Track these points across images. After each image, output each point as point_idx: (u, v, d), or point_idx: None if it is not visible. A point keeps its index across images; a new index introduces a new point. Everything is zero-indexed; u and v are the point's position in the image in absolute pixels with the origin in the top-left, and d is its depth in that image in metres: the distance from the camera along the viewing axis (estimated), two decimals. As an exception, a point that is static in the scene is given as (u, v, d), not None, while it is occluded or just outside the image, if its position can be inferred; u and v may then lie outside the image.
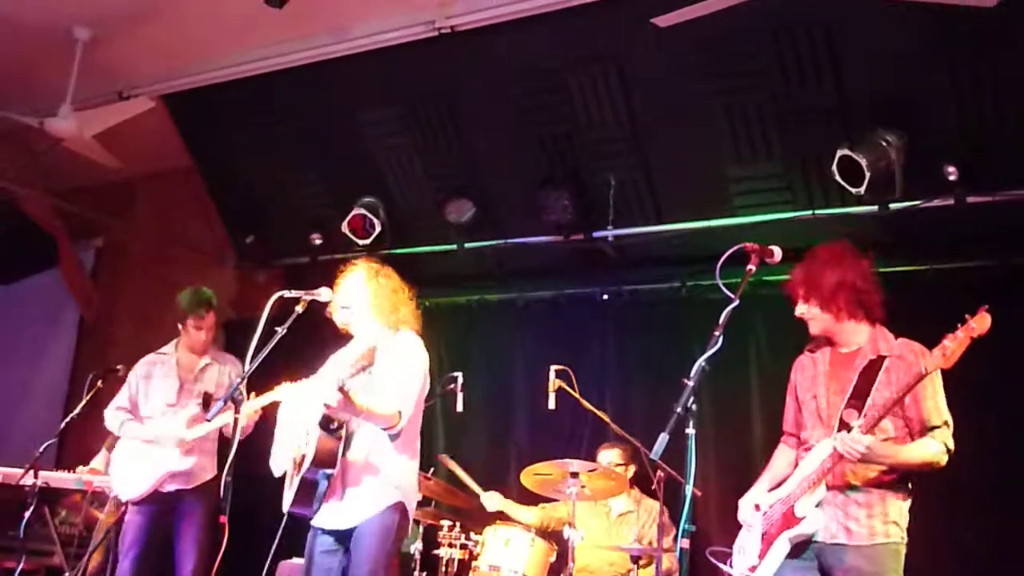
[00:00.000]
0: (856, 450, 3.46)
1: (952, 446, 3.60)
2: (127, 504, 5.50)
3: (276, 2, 5.74)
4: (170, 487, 5.42)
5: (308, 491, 4.01)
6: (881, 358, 3.69)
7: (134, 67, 7.06)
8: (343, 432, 3.99)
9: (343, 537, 4.01)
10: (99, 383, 6.06)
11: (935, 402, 3.61)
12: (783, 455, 4.02)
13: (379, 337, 4.18)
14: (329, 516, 4.03)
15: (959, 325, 3.39)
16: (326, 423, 3.97)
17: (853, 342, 3.82)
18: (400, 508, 4.00)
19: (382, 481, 3.99)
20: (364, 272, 4.37)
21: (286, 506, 4.13)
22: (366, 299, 4.29)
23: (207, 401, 5.49)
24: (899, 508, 3.63)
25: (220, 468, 5.63)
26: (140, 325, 8.48)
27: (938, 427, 3.59)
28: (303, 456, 4.05)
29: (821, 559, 3.65)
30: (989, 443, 5.05)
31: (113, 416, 5.64)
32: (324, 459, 3.96)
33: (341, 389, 3.70)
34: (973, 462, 4.18)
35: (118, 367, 6.21)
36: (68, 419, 5.89)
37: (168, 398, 5.60)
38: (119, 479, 5.50)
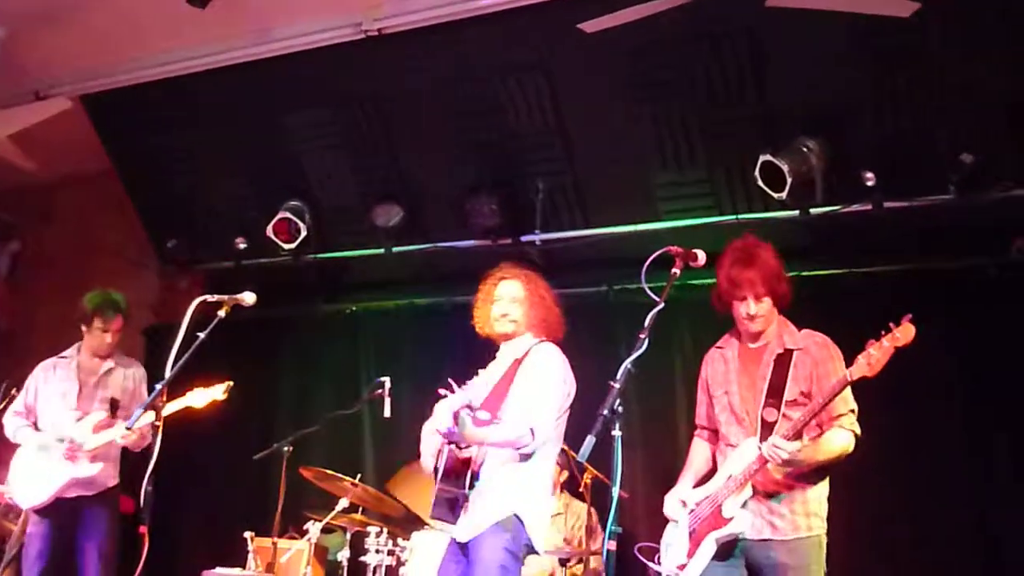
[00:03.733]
0: (780, 456, 3.54)
1: (859, 431, 3.71)
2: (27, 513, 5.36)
3: (199, 2, 5.65)
4: (72, 494, 5.27)
5: (445, 504, 3.94)
6: (788, 352, 3.77)
7: (51, 66, 6.89)
8: (472, 450, 3.89)
9: (464, 548, 3.88)
10: (14, 392, 5.89)
11: (841, 394, 3.68)
12: (700, 450, 4.08)
13: (525, 348, 4.07)
14: (456, 528, 3.92)
15: (883, 333, 3.46)
16: (452, 440, 3.89)
17: (761, 336, 3.89)
18: (513, 522, 3.80)
19: (500, 496, 3.84)
20: (522, 279, 4.20)
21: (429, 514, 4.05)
22: (525, 309, 4.12)
23: (115, 407, 5.37)
24: (818, 498, 3.73)
25: (122, 475, 5.53)
26: (59, 332, 8.21)
27: (844, 415, 3.69)
28: (436, 468, 3.99)
29: (748, 556, 3.71)
30: (897, 435, 5.28)
31: (9, 422, 5.51)
32: (452, 474, 3.90)
33: (456, 415, 3.66)
34: (881, 452, 4.55)
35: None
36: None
37: (68, 403, 5.45)
38: (19, 487, 5.33)
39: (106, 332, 5.53)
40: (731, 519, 3.65)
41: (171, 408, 5.08)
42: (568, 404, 4.01)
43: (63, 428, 5.34)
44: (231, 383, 5.16)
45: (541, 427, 3.83)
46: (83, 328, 5.59)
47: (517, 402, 3.91)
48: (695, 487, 3.93)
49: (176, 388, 5.23)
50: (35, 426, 5.50)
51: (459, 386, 4.00)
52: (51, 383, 5.54)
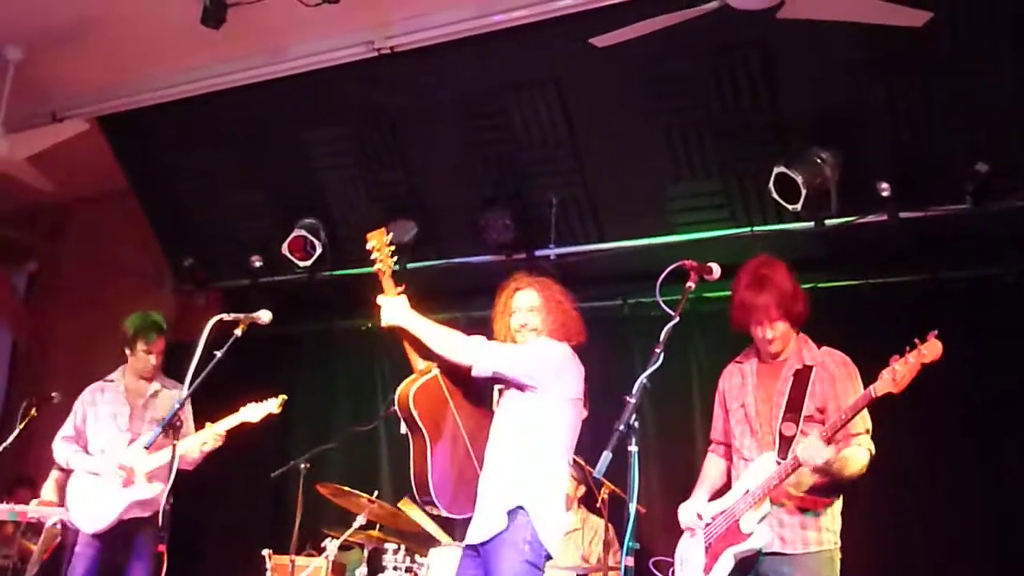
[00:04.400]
0: (817, 460, 3.50)
1: (873, 450, 3.68)
2: (64, 534, 5.36)
3: (213, 22, 5.69)
4: (128, 516, 5.26)
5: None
6: (808, 368, 3.76)
7: (68, 88, 6.94)
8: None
9: (478, 551, 3.89)
10: (33, 411, 5.92)
11: (860, 412, 3.66)
12: (714, 464, 4.06)
13: None
14: (469, 530, 3.96)
15: (908, 349, 3.43)
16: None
17: (781, 352, 3.88)
18: (521, 519, 3.78)
19: (505, 488, 3.86)
20: (536, 287, 4.24)
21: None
22: (543, 316, 4.15)
23: (178, 429, 5.39)
24: (831, 514, 3.70)
25: (199, 499, 5.56)
26: (76, 350, 8.32)
27: (861, 434, 3.66)
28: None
29: (758, 570, 3.68)
30: (912, 445, 5.25)
31: (60, 448, 5.49)
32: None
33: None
34: (897, 462, 4.52)
35: (53, 394, 6.08)
36: (1, 448, 5.71)
37: (120, 424, 5.44)
38: (79, 512, 5.30)
39: (150, 354, 5.53)
40: (750, 534, 3.63)
41: (227, 424, 5.20)
42: (536, 377, 3.94)
43: (116, 452, 5.33)
44: (285, 397, 5.26)
45: (491, 348, 3.95)
46: (127, 352, 5.59)
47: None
48: (709, 501, 3.91)
49: (194, 407, 5.27)
50: (85, 449, 5.49)
51: None
52: (100, 405, 5.54)
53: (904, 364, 3.42)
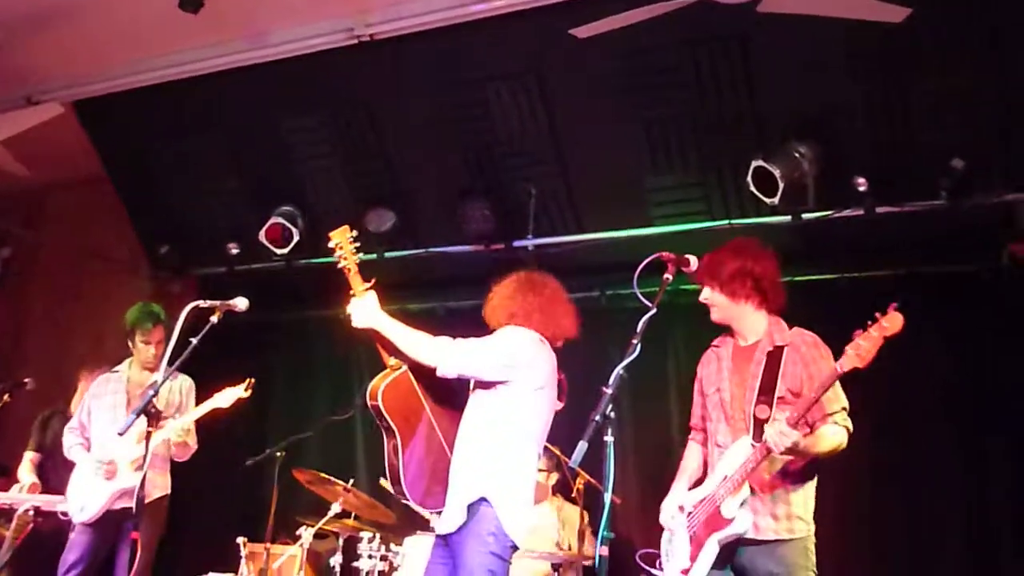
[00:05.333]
0: (785, 444, 3.51)
1: (851, 427, 3.69)
2: (36, 521, 5.34)
3: (191, 7, 5.64)
4: (118, 506, 5.25)
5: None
6: (779, 349, 3.78)
7: (43, 72, 6.86)
8: None
9: (447, 543, 3.92)
10: (6, 397, 5.88)
11: (834, 391, 3.67)
12: (694, 453, 4.07)
13: None
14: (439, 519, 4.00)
15: (869, 323, 3.46)
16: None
17: (752, 332, 3.90)
18: (484, 511, 3.81)
19: (469, 478, 3.88)
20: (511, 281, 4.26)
21: None
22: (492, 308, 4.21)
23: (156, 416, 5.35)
24: (803, 500, 3.70)
25: (173, 487, 5.56)
26: (50, 336, 8.26)
27: (837, 412, 3.68)
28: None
29: (738, 562, 3.70)
30: (891, 438, 5.38)
31: (66, 439, 5.56)
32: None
33: None
34: (875, 455, 5.03)
35: (26, 380, 6.04)
36: (-27, 434, 5.69)
37: (117, 415, 5.40)
38: (75, 503, 5.32)
39: (149, 344, 5.51)
40: (732, 519, 3.64)
41: (200, 412, 5.18)
42: (502, 371, 3.94)
43: (105, 444, 5.33)
44: (252, 380, 5.21)
45: (456, 348, 3.94)
46: (129, 344, 5.58)
47: None
48: (690, 490, 3.93)
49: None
50: (87, 439, 5.51)
51: None
52: (102, 397, 5.53)
53: (867, 339, 3.44)
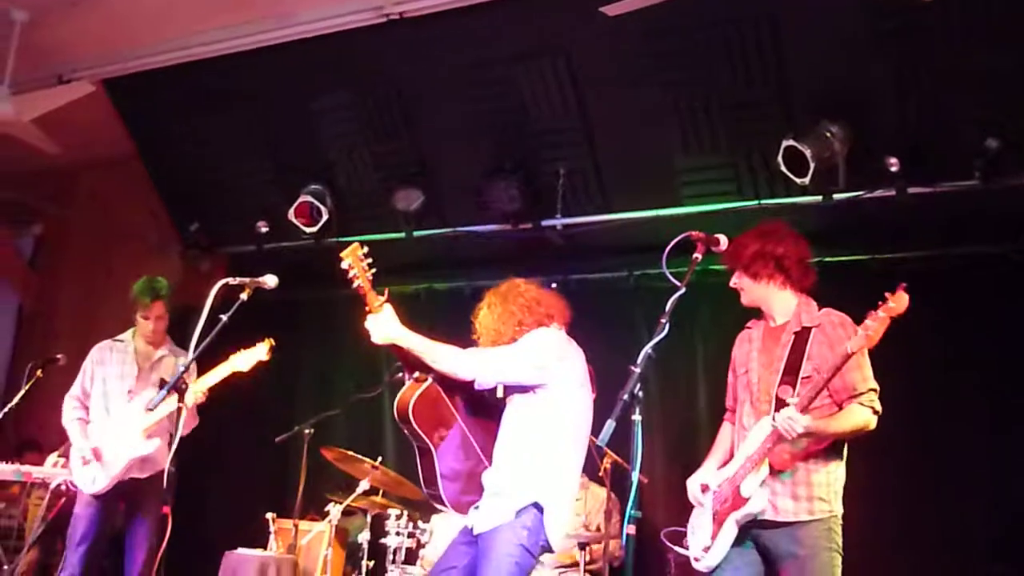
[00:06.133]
0: (794, 429, 3.51)
1: (879, 408, 3.66)
2: (69, 495, 5.37)
3: (221, -15, 5.67)
4: (129, 476, 5.23)
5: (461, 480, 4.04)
6: (806, 330, 3.77)
7: (74, 50, 6.91)
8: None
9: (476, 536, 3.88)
10: (38, 373, 5.93)
11: (861, 372, 3.67)
12: (727, 432, 4.07)
13: None
14: (472, 517, 3.92)
15: (879, 304, 3.45)
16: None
17: (781, 313, 3.89)
18: (533, 515, 3.75)
19: (520, 483, 3.82)
20: (483, 311, 4.23)
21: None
22: (494, 335, 4.13)
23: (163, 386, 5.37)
24: (826, 482, 3.67)
25: (203, 464, 5.54)
26: (82, 313, 8.34)
27: (864, 393, 3.66)
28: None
29: (756, 541, 3.70)
30: (921, 418, 5.30)
31: (66, 407, 5.48)
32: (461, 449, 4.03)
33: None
34: (907, 436, 4.87)
35: (58, 356, 6.09)
36: (6, 409, 5.73)
37: (128, 384, 5.42)
38: (80, 473, 5.28)
39: (147, 319, 5.49)
40: (749, 498, 3.64)
41: (219, 374, 5.10)
42: (541, 361, 3.92)
43: (118, 411, 5.32)
44: (272, 341, 5.17)
45: (487, 357, 3.90)
46: (134, 316, 5.57)
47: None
48: (719, 469, 3.93)
49: (202, 369, 5.27)
50: (87, 410, 5.47)
51: None
52: (108, 365, 5.50)
53: (875, 319, 3.44)
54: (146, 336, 5.56)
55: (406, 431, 4.04)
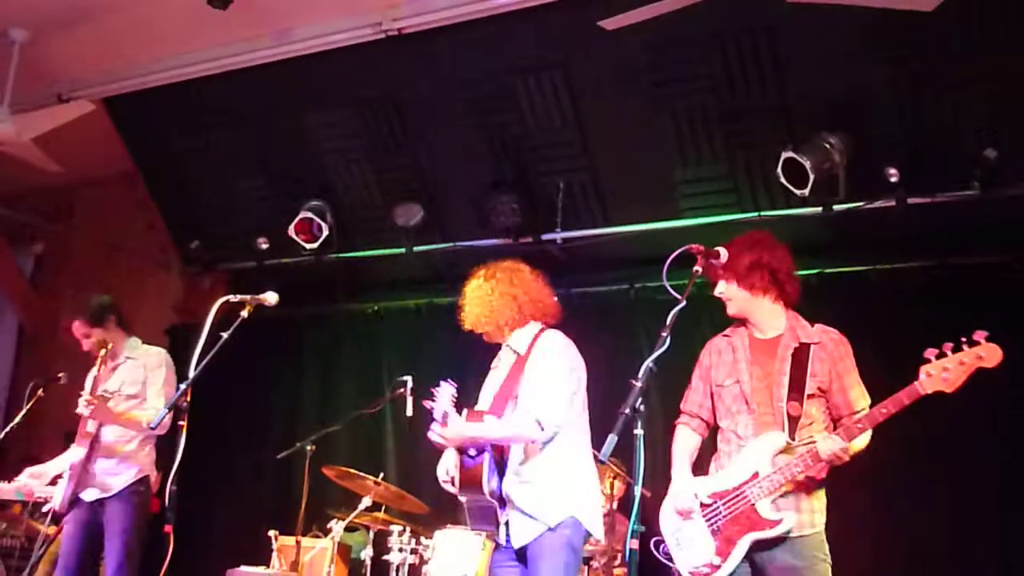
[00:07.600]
0: (843, 458, 3.56)
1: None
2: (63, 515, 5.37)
3: (220, 3, 5.68)
4: (90, 497, 5.18)
5: (482, 515, 3.98)
6: (805, 346, 3.76)
7: (74, 69, 6.93)
8: (483, 456, 3.90)
9: (515, 551, 3.88)
10: (40, 392, 5.91)
11: (860, 388, 3.71)
12: (692, 439, 4.03)
13: (518, 341, 4.11)
14: (508, 534, 3.91)
15: (965, 347, 3.45)
16: (461, 450, 3.95)
17: (771, 327, 3.88)
18: (572, 523, 3.80)
19: (553, 498, 3.83)
20: (476, 282, 4.24)
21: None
22: (483, 311, 4.16)
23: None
24: (820, 495, 3.72)
25: (209, 481, 5.49)
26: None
27: (863, 409, 3.67)
28: (453, 478, 4.01)
29: (750, 556, 3.68)
30: (918, 428, 5.11)
31: None
32: (467, 483, 3.93)
33: (444, 416, 3.81)
34: (902, 446, 4.64)
35: (60, 375, 6.07)
36: (8, 429, 5.72)
37: (84, 396, 5.24)
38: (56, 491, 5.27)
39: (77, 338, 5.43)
40: (779, 521, 3.60)
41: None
42: (577, 386, 3.98)
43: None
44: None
45: (548, 415, 3.82)
46: None
47: (523, 395, 3.92)
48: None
49: (200, 389, 5.23)
50: None
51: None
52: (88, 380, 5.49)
53: (959, 365, 3.43)
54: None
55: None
